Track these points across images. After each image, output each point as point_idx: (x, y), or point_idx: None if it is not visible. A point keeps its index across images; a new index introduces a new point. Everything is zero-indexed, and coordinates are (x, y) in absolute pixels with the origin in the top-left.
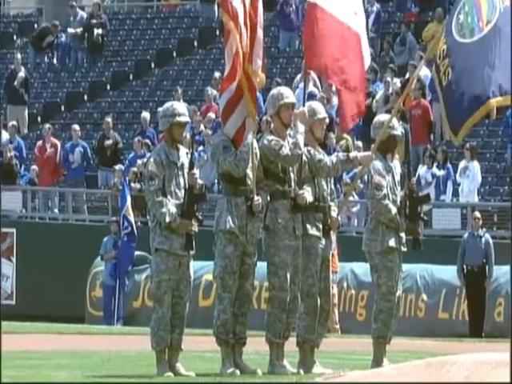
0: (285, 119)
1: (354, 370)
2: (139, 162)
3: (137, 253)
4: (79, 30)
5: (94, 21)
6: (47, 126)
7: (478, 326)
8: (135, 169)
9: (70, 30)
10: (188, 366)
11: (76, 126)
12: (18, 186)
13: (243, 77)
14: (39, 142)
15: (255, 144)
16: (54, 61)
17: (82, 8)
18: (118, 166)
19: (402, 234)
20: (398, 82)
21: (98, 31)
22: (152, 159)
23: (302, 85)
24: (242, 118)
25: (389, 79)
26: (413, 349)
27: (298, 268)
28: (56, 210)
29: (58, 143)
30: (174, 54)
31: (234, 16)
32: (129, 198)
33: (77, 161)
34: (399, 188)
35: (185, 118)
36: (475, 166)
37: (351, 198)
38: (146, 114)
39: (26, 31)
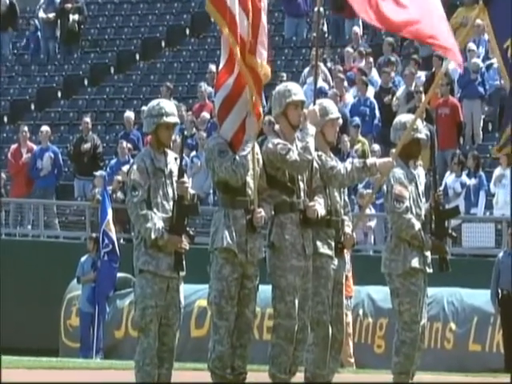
0: (292, 119)
1: None
2: (123, 169)
3: (119, 275)
4: (51, 15)
5: (69, 5)
6: (25, 128)
7: None
8: (119, 177)
9: (41, 15)
10: None
11: (45, 128)
12: None
13: (245, 69)
14: (13, 146)
15: (257, 148)
16: (22, 51)
17: None
18: (97, 173)
19: (428, 253)
20: (422, 76)
21: (73, 17)
22: (135, 166)
23: (311, 79)
24: (241, 117)
25: (412, 73)
26: None
27: (307, 292)
28: (29, 227)
29: (35, 147)
30: (162, 44)
31: (221, 6)
32: (110, 211)
33: (46, 168)
34: (423, 200)
35: (173, 119)
36: None
37: (368, 212)
38: (129, 114)
39: None
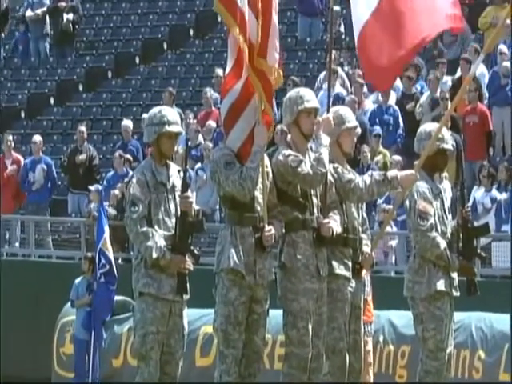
0: (305, 128)
1: None
2: (121, 183)
3: (117, 298)
4: (40, 11)
5: (63, 3)
6: (9, 137)
7: None
8: (117, 191)
9: (29, 14)
10: None
11: (37, 138)
12: None
13: (253, 73)
14: None
15: (267, 160)
16: (11, 54)
17: None
18: (93, 188)
19: (454, 275)
20: (448, 81)
21: (68, 16)
22: (135, 179)
23: (326, 85)
24: (250, 126)
25: (437, 77)
26: None
27: (321, 317)
28: (17, 244)
29: (22, 159)
30: (164, 46)
31: (231, 4)
32: (107, 229)
33: (38, 181)
34: (450, 216)
35: (176, 128)
36: None
37: (389, 229)
38: (128, 122)
39: None
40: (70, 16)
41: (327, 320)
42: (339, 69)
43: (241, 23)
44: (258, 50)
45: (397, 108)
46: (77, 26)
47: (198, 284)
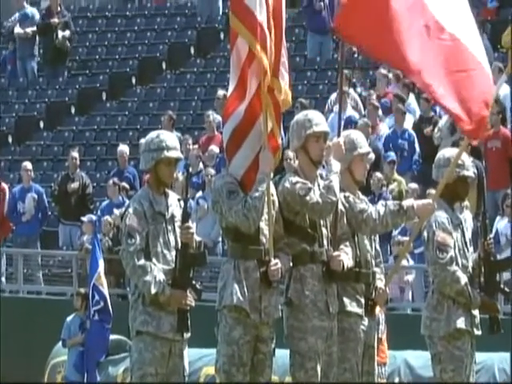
0: (313, 154)
1: None
2: (116, 212)
3: (112, 337)
4: (30, 29)
5: (56, 20)
6: None
7: None
8: (110, 218)
9: (18, 31)
10: None
11: (27, 164)
12: None
13: (267, 95)
14: None
15: (272, 188)
16: None
17: (38, 3)
18: (86, 218)
19: (476, 312)
20: None
21: (64, 34)
22: (131, 210)
23: (337, 107)
24: (254, 152)
25: None
26: None
27: (332, 358)
28: (3, 279)
29: (7, 187)
30: (163, 66)
31: (250, 21)
32: (101, 263)
33: (29, 211)
34: (471, 249)
35: (176, 153)
36: None
37: (404, 263)
38: (124, 147)
39: None
40: (67, 33)
41: (338, 361)
42: (351, 90)
43: (261, 40)
44: (272, 67)
45: (412, 132)
46: (68, 44)
47: (200, 322)
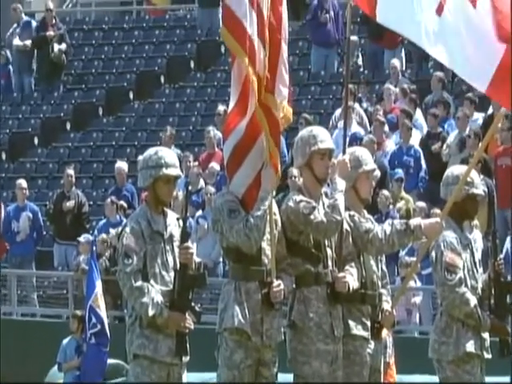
0: (318, 172)
1: None
2: (112, 231)
3: (109, 361)
4: (28, 42)
5: (51, 32)
6: None
7: None
8: (105, 235)
9: (16, 43)
10: None
11: (22, 182)
12: None
13: (260, 110)
14: None
15: (275, 207)
16: None
17: (32, 15)
18: (82, 238)
19: (486, 335)
20: (478, 118)
21: (60, 47)
22: (128, 229)
23: (342, 123)
24: (256, 169)
25: (466, 115)
26: None
27: (337, 382)
28: None
29: (1, 206)
30: (162, 80)
31: (239, 32)
32: (98, 284)
33: (23, 231)
34: (481, 270)
35: (175, 171)
36: None
37: (412, 284)
38: (122, 164)
39: None
40: (63, 46)
41: None
42: (357, 105)
43: (250, 53)
44: (265, 83)
45: (419, 149)
46: (64, 58)
47: (199, 345)
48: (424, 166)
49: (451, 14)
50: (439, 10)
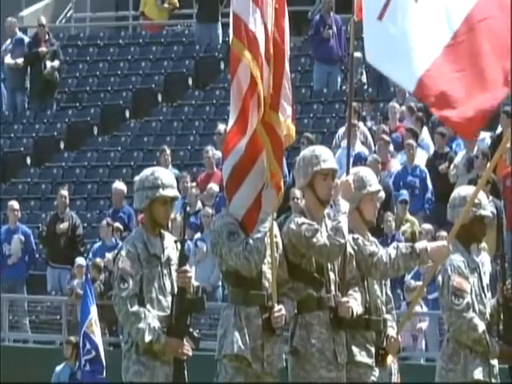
0: (321, 193)
1: None
2: (108, 255)
3: None
4: (20, 60)
5: (44, 49)
6: None
7: None
8: (100, 259)
9: (8, 61)
10: None
11: (14, 204)
12: None
13: (261, 128)
14: None
15: (276, 229)
16: None
17: (24, 30)
18: (77, 261)
19: (494, 362)
20: (486, 138)
21: (52, 64)
22: (124, 252)
23: (345, 143)
24: (256, 190)
25: None
26: None
27: None
28: None
29: None
30: (159, 98)
31: (252, 43)
32: (93, 309)
33: (15, 254)
34: (489, 294)
35: (172, 192)
36: None
37: (418, 309)
38: (119, 185)
39: None
40: (56, 63)
41: None
42: (361, 124)
43: (260, 70)
44: (269, 101)
45: (424, 168)
46: (57, 75)
47: (198, 372)
48: (430, 186)
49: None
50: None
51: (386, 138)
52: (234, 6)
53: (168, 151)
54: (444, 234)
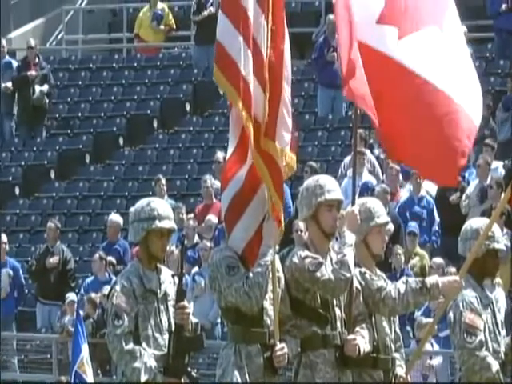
0: (326, 225)
1: None
2: (104, 291)
3: None
4: (9, 84)
5: (33, 72)
6: None
7: None
8: (92, 295)
9: None
10: None
11: (2, 236)
12: None
13: (258, 158)
14: None
15: (278, 263)
16: None
17: (13, 53)
18: (68, 296)
19: None
20: (499, 166)
21: (41, 88)
22: (119, 287)
23: (351, 172)
24: (257, 222)
25: (487, 163)
26: None
27: None
28: None
29: None
30: (155, 124)
31: (233, 73)
32: (85, 347)
33: (3, 289)
34: (503, 332)
35: (169, 223)
36: None
37: (428, 347)
38: (114, 217)
39: None
40: (45, 88)
41: None
42: (368, 152)
43: (244, 96)
44: (264, 129)
45: (431, 199)
46: (47, 100)
47: None
48: (437, 218)
49: None
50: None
51: (396, 167)
52: (217, 31)
53: (163, 181)
54: (453, 269)
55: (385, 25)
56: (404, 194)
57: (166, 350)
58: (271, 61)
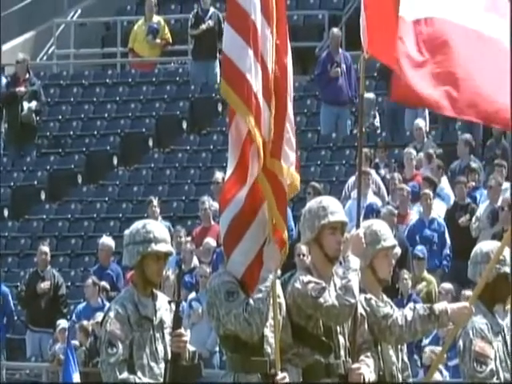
0: (329, 248)
1: None
2: (98, 318)
3: None
4: None
5: (22, 88)
6: None
7: None
8: (85, 322)
9: None
10: None
11: None
12: None
13: (263, 177)
14: None
15: (279, 288)
16: None
17: (2, 69)
18: (60, 323)
19: None
20: (508, 188)
21: (29, 105)
22: (112, 313)
23: (356, 193)
24: (257, 246)
25: (499, 183)
26: None
27: None
28: None
29: None
30: (150, 143)
31: (243, 88)
32: (76, 376)
33: None
34: None
35: (165, 247)
36: None
37: (437, 377)
38: (106, 240)
39: None
40: (33, 105)
41: None
42: (373, 172)
43: (256, 112)
44: (270, 147)
45: (442, 221)
46: (38, 118)
47: None
48: (449, 241)
49: None
50: None
51: (407, 188)
52: (223, 44)
53: (155, 202)
54: (469, 293)
55: None
56: (413, 216)
57: (161, 380)
58: (276, 76)
